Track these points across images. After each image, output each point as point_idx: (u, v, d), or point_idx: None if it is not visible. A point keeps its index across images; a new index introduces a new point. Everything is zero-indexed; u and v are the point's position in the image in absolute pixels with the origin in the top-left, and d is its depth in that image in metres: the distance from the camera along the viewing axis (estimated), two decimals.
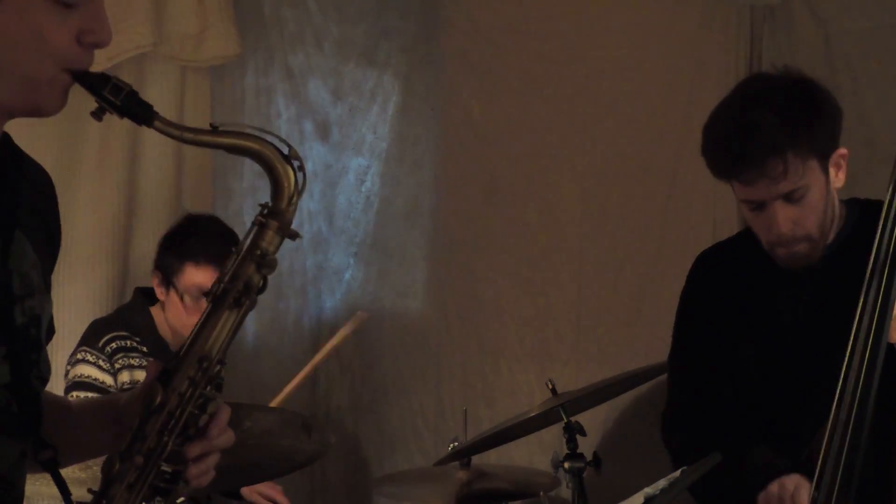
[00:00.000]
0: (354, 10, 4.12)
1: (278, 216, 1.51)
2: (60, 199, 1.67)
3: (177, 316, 3.17)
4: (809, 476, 2.17)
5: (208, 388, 1.50)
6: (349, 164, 4.17)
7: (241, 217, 3.87)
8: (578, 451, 2.76)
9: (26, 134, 1.52)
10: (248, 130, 1.52)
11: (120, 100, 1.43)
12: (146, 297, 3.28)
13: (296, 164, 1.52)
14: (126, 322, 3.24)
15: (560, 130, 3.84)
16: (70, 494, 1.54)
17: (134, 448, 1.48)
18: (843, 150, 2.32)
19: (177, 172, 3.66)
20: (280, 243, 1.52)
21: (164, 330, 3.23)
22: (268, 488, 3.29)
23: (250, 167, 3.90)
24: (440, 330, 4.04)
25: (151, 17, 3.45)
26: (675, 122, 3.55)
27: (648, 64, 3.70)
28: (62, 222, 1.68)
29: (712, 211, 3.52)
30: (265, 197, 1.53)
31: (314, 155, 4.11)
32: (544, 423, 3.01)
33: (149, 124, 1.45)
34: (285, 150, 1.51)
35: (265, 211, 1.52)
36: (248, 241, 1.51)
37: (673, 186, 3.63)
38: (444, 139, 4.11)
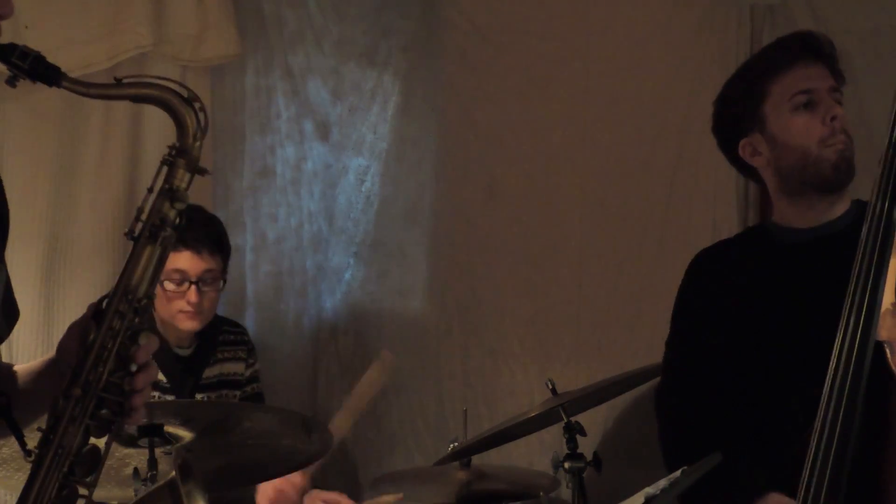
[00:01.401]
0: (354, 10, 4.11)
1: (185, 154, 1.67)
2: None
3: (162, 305, 3.19)
4: (799, 474, 2.17)
5: (136, 319, 1.60)
6: (349, 164, 4.16)
7: (242, 217, 3.85)
8: (578, 451, 2.76)
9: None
10: (149, 80, 1.64)
11: (28, 64, 1.51)
12: None
13: (196, 105, 1.65)
14: None
15: (560, 130, 3.84)
16: (23, 435, 1.63)
17: (73, 383, 1.56)
18: None
19: None
20: (191, 179, 1.67)
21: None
22: (337, 496, 3.32)
23: (250, 167, 3.90)
24: (440, 330, 4.04)
25: (151, 17, 3.44)
26: (675, 122, 3.55)
27: (648, 64, 3.70)
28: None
29: (712, 211, 3.52)
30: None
31: (314, 155, 4.10)
32: (544, 423, 3.00)
33: (57, 85, 1.54)
34: (185, 94, 1.64)
35: (173, 151, 1.66)
36: (161, 179, 1.66)
37: (673, 186, 3.63)
38: (444, 139, 4.10)
